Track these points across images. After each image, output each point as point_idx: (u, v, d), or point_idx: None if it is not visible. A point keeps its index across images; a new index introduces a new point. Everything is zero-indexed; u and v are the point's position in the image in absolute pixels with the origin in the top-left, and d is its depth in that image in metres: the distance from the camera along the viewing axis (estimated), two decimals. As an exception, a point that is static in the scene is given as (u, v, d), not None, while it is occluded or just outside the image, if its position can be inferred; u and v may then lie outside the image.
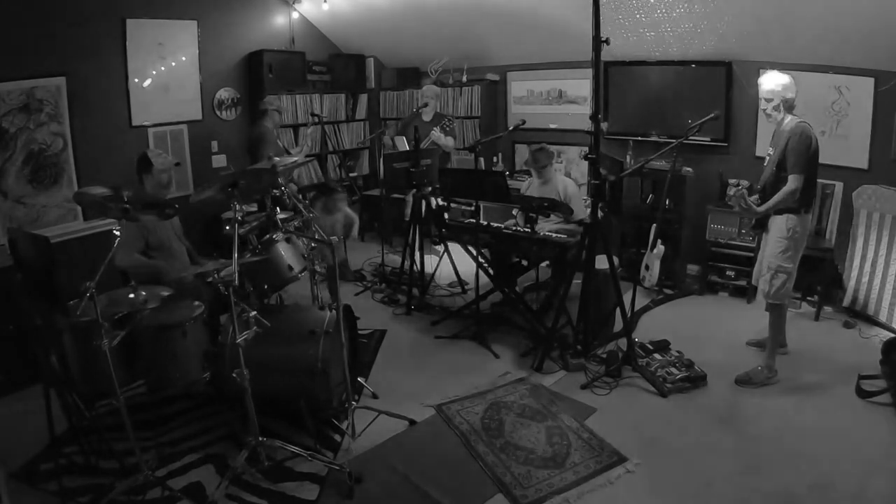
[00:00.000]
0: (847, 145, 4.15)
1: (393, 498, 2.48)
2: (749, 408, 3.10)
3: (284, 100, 5.76)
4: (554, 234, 3.78)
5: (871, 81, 3.99)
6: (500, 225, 4.10)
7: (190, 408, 3.10)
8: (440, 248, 4.94)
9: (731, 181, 4.62)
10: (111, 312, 2.54)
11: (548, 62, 5.63)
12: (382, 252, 5.32)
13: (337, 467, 2.55)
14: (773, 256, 3.23)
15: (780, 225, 3.19)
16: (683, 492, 2.47)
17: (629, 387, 3.31)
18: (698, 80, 4.69)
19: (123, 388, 2.42)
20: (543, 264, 4.31)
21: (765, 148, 3.61)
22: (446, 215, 4.35)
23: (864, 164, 4.13)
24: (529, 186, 4.44)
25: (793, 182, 3.03)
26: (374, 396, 3.24)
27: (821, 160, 3.14)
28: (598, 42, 3.04)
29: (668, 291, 4.65)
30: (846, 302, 4.15)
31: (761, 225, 3.36)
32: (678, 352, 3.56)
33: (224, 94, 5.52)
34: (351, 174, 6.53)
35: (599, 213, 3.40)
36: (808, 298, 4.33)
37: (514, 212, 4.50)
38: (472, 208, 3.90)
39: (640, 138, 5.06)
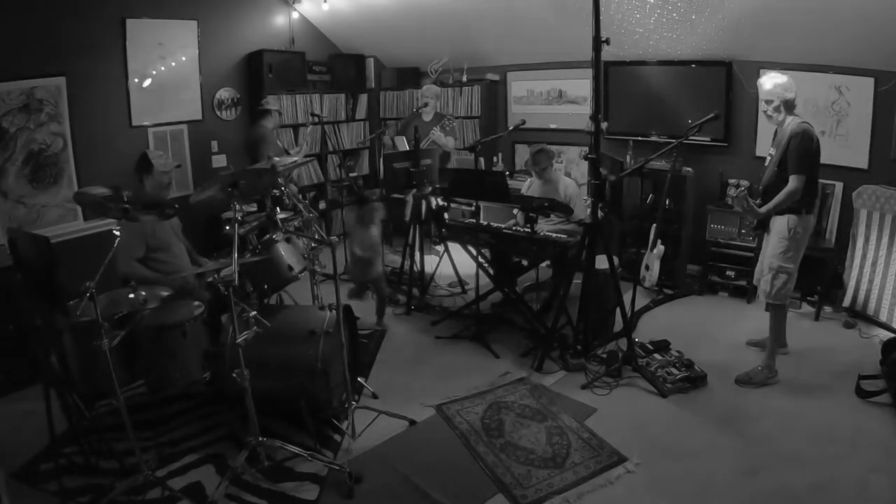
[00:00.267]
0: (847, 145, 4.15)
1: (393, 498, 2.48)
2: (749, 408, 3.09)
3: (284, 100, 5.77)
4: (554, 234, 3.78)
5: (871, 81, 3.99)
6: (500, 225, 4.10)
7: (190, 408, 3.10)
8: (440, 248, 4.94)
9: (731, 181, 4.63)
10: (111, 312, 2.54)
11: (548, 62, 5.63)
12: (382, 252, 5.31)
13: (337, 467, 2.55)
14: (774, 257, 3.23)
15: (781, 225, 3.19)
16: (683, 492, 2.47)
17: (629, 387, 3.31)
18: (698, 80, 4.69)
19: (123, 388, 2.42)
20: (543, 264, 4.31)
21: (765, 148, 3.62)
22: (446, 215, 4.35)
23: (864, 164, 4.13)
24: (530, 186, 4.44)
25: (794, 182, 3.03)
26: (374, 396, 3.24)
27: (821, 160, 3.14)
28: (598, 42, 3.04)
29: (668, 291, 4.65)
30: (846, 302, 4.15)
31: (762, 225, 3.36)
32: (678, 352, 3.56)
33: (224, 94, 5.52)
34: (351, 174, 6.53)
35: (599, 213, 3.40)
36: (809, 298, 4.33)
37: (515, 212, 4.50)
38: (472, 208, 3.90)
39: (640, 138, 5.06)
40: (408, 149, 4.78)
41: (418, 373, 3.54)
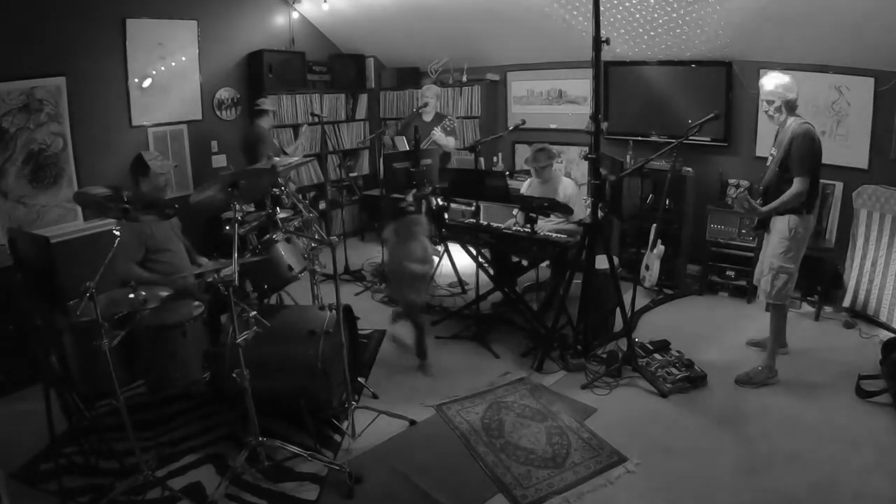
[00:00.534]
0: (847, 145, 4.15)
1: (393, 498, 2.48)
2: (749, 408, 3.09)
3: (284, 100, 5.77)
4: (554, 235, 3.78)
5: (871, 81, 3.99)
6: (500, 225, 4.10)
7: (190, 408, 3.10)
8: (440, 248, 4.94)
9: (732, 181, 4.63)
10: (111, 312, 2.54)
11: (548, 62, 5.63)
12: (382, 252, 5.32)
13: (337, 467, 2.55)
14: (774, 257, 3.23)
15: (782, 225, 3.19)
16: (683, 492, 2.47)
17: (629, 387, 3.31)
18: (698, 80, 4.69)
19: (123, 388, 2.42)
20: (543, 264, 4.31)
21: (765, 148, 3.62)
22: (446, 215, 4.34)
23: (864, 164, 4.13)
24: (530, 186, 4.44)
25: (799, 184, 3.03)
26: (374, 396, 3.24)
27: (821, 160, 3.14)
28: (598, 42, 3.04)
29: (668, 291, 4.65)
30: (846, 302, 4.15)
31: (763, 225, 3.36)
32: (678, 352, 3.56)
33: (224, 94, 5.52)
34: (351, 174, 6.53)
35: (599, 213, 3.40)
36: (809, 298, 4.33)
37: (514, 212, 4.50)
38: (472, 208, 3.90)
39: (640, 138, 5.06)
40: (408, 149, 4.78)
41: (418, 373, 3.54)
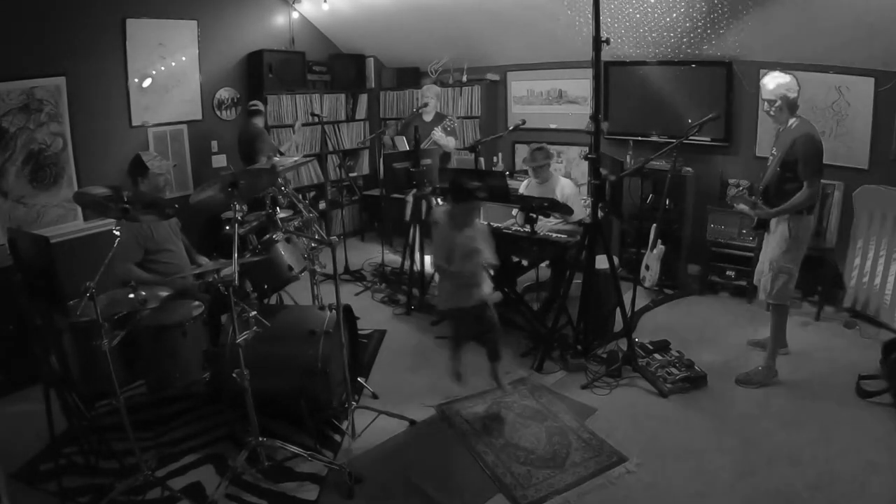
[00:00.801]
0: (847, 145, 4.15)
1: (393, 498, 2.48)
2: (749, 408, 3.09)
3: (284, 100, 5.77)
4: (554, 235, 3.77)
5: (871, 81, 3.99)
6: (499, 225, 4.10)
7: (190, 408, 3.10)
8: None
9: (732, 181, 4.62)
10: (111, 312, 2.54)
11: (548, 62, 5.63)
12: (382, 252, 5.33)
13: (337, 467, 2.55)
14: (775, 257, 3.23)
15: (782, 225, 3.18)
16: (683, 492, 2.47)
17: (629, 387, 3.31)
18: (698, 80, 4.69)
19: (123, 388, 2.43)
20: (543, 264, 4.31)
21: (765, 148, 3.62)
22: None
23: (864, 164, 4.13)
24: (527, 187, 4.44)
25: (809, 188, 3.02)
26: (374, 396, 3.24)
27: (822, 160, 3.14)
28: (598, 42, 3.04)
29: (668, 291, 4.65)
30: (847, 302, 4.14)
31: (763, 225, 3.35)
32: (678, 352, 3.56)
33: (224, 94, 5.52)
34: (351, 174, 6.54)
35: (599, 214, 3.40)
36: (809, 298, 4.32)
37: (514, 212, 4.50)
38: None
39: (640, 138, 5.06)
40: (408, 149, 4.78)
41: (418, 373, 3.54)
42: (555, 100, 5.73)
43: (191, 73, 5.20)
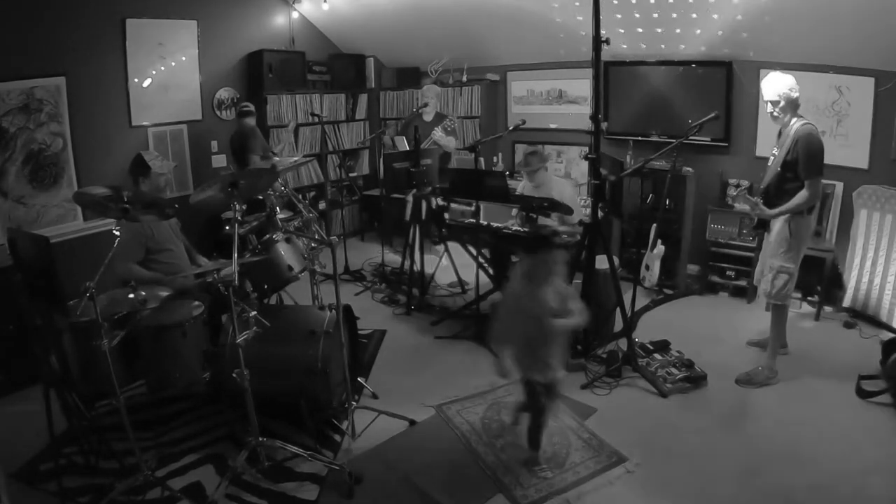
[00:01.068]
0: (847, 145, 4.15)
1: (393, 498, 2.48)
2: (749, 408, 3.09)
3: (284, 100, 5.77)
4: (554, 234, 3.77)
5: (871, 81, 3.99)
6: (499, 225, 4.10)
7: (190, 408, 3.09)
8: (440, 248, 4.94)
9: (732, 181, 4.62)
10: (111, 312, 2.54)
11: (548, 62, 5.63)
12: (382, 252, 5.33)
13: (337, 467, 2.55)
14: (774, 257, 3.23)
15: (782, 225, 3.19)
16: (683, 492, 2.47)
17: (629, 387, 3.31)
18: (698, 80, 4.69)
19: (123, 388, 2.42)
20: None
21: (765, 148, 3.62)
22: (446, 215, 4.34)
23: (864, 164, 4.13)
24: (523, 189, 4.42)
25: (811, 188, 3.03)
26: (374, 396, 3.24)
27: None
28: (598, 42, 3.04)
29: (668, 291, 4.65)
30: (847, 302, 4.15)
31: (763, 225, 3.36)
32: (678, 352, 3.56)
33: (224, 93, 5.52)
34: (351, 174, 6.54)
35: (599, 214, 3.40)
36: (809, 298, 4.33)
37: (513, 212, 4.50)
38: (472, 208, 3.89)
39: (640, 138, 5.06)
40: (408, 149, 4.78)
41: (418, 373, 3.54)
42: (555, 100, 5.73)
43: (191, 73, 5.20)
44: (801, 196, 3.05)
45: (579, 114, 5.39)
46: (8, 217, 4.12)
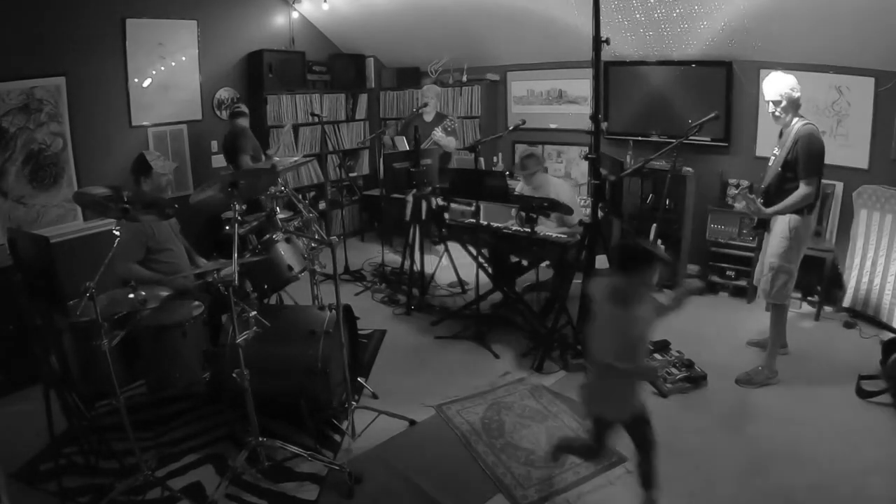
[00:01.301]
0: (847, 145, 4.15)
1: (393, 498, 2.48)
2: (749, 408, 3.09)
3: (284, 99, 5.77)
4: (554, 234, 3.77)
5: (871, 81, 3.99)
6: (499, 225, 4.10)
7: (190, 408, 3.09)
8: (440, 248, 4.94)
9: (732, 181, 4.63)
10: (111, 312, 2.54)
11: (548, 62, 5.63)
12: (382, 252, 5.33)
13: (337, 467, 2.55)
14: (774, 256, 3.23)
15: (782, 225, 3.18)
16: (683, 492, 2.47)
17: (629, 387, 3.31)
18: (698, 80, 4.69)
19: (123, 388, 2.42)
20: (543, 264, 4.31)
21: (765, 148, 3.62)
22: (446, 215, 4.35)
23: (864, 164, 4.13)
24: (522, 190, 4.42)
25: (806, 187, 3.03)
26: (374, 396, 3.24)
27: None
28: (598, 42, 3.04)
29: (668, 291, 4.65)
30: (847, 302, 4.15)
31: (763, 225, 3.36)
32: (678, 352, 3.56)
33: (224, 93, 5.52)
34: (351, 174, 6.53)
35: (599, 213, 3.40)
36: (809, 298, 4.33)
37: (513, 212, 4.50)
38: (472, 208, 3.89)
39: (640, 138, 5.06)
40: (408, 149, 4.78)
41: (418, 373, 3.54)
42: (555, 100, 5.73)
43: (191, 73, 5.20)
44: (797, 195, 3.05)
45: (579, 114, 5.39)
46: (8, 217, 4.12)
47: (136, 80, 4.81)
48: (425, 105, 5.14)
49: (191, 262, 3.44)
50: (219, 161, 5.45)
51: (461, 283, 4.86)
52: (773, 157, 3.27)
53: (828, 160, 3.14)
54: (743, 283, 4.46)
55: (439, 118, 5.14)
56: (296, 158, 4.24)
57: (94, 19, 4.50)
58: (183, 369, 2.71)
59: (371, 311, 4.43)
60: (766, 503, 2.40)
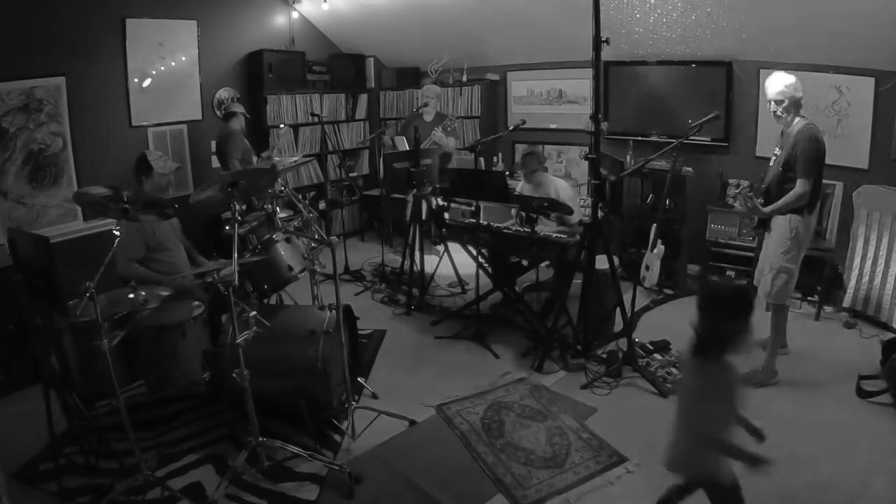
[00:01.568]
0: (847, 145, 4.15)
1: (393, 498, 2.48)
2: (749, 408, 3.08)
3: (284, 100, 5.77)
4: (554, 234, 3.77)
5: (871, 81, 3.99)
6: (499, 225, 4.10)
7: (190, 408, 3.09)
8: (440, 248, 4.94)
9: (732, 181, 4.62)
10: (111, 312, 2.54)
11: (548, 62, 5.63)
12: (382, 252, 5.32)
13: (337, 467, 2.55)
14: (775, 256, 3.22)
15: (783, 225, 3.18)
16: (683, 492, 2.46)
17: (629, 387, 3.31)
18: (698, 80, 4.69)
19: (123, 388, 2.43)
20: (543, 264, 4.31)
21: (765, 148, 3.62)
22: (446, 215, 4.35)
23: (864, 164, 4.13)
24: (522, 190, 4.42)
25: (802, 186, 3.03)
26: (374, 396, 3.24)
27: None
28: (598, 42, 3.04)
29: (668, 291, 4.65)
30: (847, 302, 4.14)
31: (763, 225, 3.36)
32: (678, 352, 3.56)
33: (224, 93, 5.52)
34: (351, 174, 6.53)
35: (599, 214, 3.40)
36: (809, 298, 4.32)
37: (513, 212, 4.50)
38: (472, 208, 3.89)
39: (640, 138, 5.06)
40: (408, 149, 4.78)
41: (418, 373, 3.54)
42: (555, 100, 5.73)
43: (190, 73, 5.20)
44: (793, 194, 3.05)
45: (579, 114, 5.39)
46: (8, 217, 4.12)
47: (136, 80, 4.81)
48: (425, 105, 5.13)
49: (193, 261, 3.44)
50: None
51: (461, 283, 4.86)
52: (774, 157, 3.27)
53: (828, 160, 3.14)
54: (743, 283, 4.46)
55: (439, 118, 5.13)
56: (296, 158, 4.24)
57: (94, 19, 4.50)
58: (183, 369, 2.71)
59: (371, 311, 4.43)
60: (765, 503, 2.40)
